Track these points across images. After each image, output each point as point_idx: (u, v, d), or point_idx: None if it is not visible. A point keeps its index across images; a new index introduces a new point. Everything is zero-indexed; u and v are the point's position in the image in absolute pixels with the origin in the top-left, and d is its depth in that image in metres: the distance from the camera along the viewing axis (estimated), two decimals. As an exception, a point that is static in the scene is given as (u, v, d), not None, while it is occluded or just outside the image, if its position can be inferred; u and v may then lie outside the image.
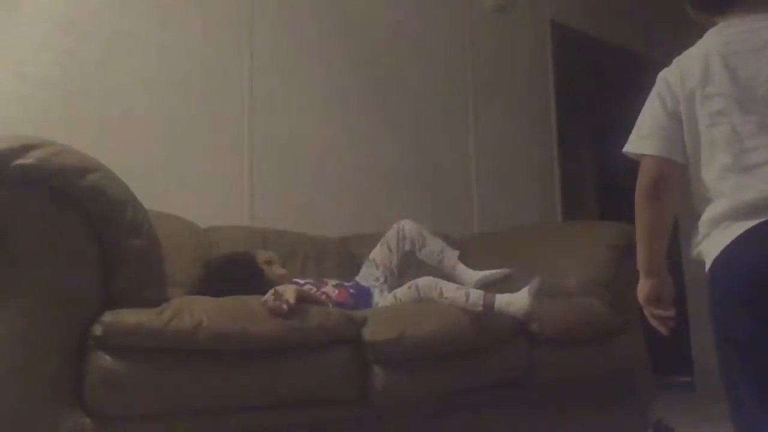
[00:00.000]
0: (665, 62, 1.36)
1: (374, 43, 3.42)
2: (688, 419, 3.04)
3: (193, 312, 1.66)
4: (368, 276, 2.51)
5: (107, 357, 1.55)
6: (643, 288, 1.38)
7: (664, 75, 1.33)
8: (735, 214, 1.19)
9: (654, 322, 1.39)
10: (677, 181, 1.30)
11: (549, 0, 4.25)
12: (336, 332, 1.89)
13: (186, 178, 2.74)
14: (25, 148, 1.52)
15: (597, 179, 6.19)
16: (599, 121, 6.05)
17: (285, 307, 1.78)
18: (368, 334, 1.96)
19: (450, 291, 2.17)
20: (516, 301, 2.13)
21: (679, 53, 1.34)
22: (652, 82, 1.36)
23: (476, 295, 2.14)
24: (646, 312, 1.40)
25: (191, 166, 2.76)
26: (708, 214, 1.25)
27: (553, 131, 4.20)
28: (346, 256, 2.82)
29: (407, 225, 2.50)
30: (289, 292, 1.84)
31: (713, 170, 1.23)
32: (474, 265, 2.44)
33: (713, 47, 1.27)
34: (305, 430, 1.85)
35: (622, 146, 1.36)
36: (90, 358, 1.55)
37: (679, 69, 1.30)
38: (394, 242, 2.49)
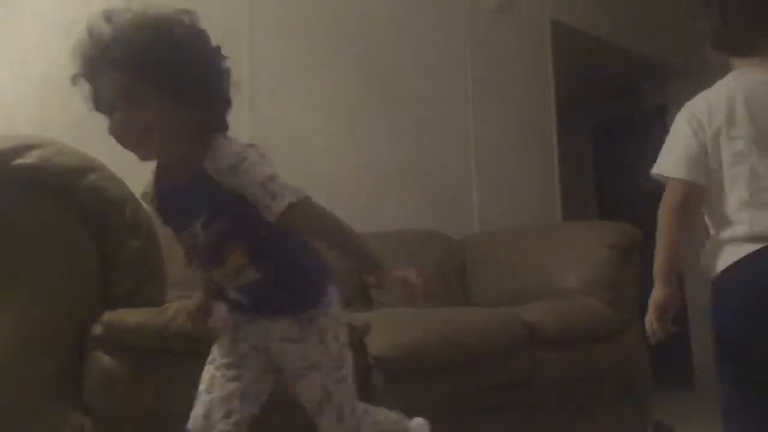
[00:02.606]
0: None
1: (374, 43, 3.42)
2: (688, 419, 3.04)
3: (193, 312, 1.66)
4: None
5: (107, 357, 1.55)
6: (660, 296, 1.46)
7: (692, 109, 1.44)
8: (747, 240, 1.34)
9: (652, 329, 1.48)
10: (700, 201, 1.44)
11: (549, 0, 4.25)
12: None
13: (186, 178, 2.74)
14: (25, 148, 1.52)
15: (597, 179, 6.18)
16: (599, 121, 6.06)
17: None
18: (373, 347, 1.95)
19: None
20: None
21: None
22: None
23: None
24: (651, 316, 1.47)
25: (191, 166, 2.76)
26: (722, 234, 1.38)
27: (553, 131, 4.19)
28: (346, 256, 2.81)
29: None
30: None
31: (732, 203, 1.37)
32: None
33: (738, 91, 1.39)
34: (304, 430, 1.85)
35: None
36: (90, 358, 1.55)
37: (707, 105, 1.41)
38: None
